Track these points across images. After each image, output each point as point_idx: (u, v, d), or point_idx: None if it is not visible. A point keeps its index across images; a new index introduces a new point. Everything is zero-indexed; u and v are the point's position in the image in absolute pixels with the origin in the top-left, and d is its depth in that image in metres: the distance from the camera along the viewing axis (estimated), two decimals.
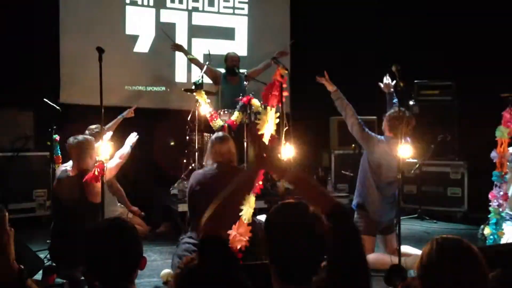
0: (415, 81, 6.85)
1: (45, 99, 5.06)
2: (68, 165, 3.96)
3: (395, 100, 4.45)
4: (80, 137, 3.91)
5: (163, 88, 7.17)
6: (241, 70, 6.36)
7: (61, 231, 3.85)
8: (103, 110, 3.54)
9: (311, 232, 1.56)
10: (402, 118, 3.98)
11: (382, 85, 4.57)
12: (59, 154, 4.87)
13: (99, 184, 3.54)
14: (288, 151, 3.63)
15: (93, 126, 4.72)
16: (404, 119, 3.97)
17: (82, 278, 3.56)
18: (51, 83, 6.34)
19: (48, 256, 4.01)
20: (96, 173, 3.48)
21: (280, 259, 1.55)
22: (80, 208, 3.73)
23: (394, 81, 4.29)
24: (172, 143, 5.22)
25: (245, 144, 5.49)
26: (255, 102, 5.62)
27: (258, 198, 3.78)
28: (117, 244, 1.88)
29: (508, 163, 4.09)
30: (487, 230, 4.01)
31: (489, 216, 4.07)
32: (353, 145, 6.36)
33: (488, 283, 1.65)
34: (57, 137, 4.89)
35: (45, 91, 5.61)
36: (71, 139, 3.88)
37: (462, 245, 1.70)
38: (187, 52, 6.51)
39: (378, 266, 3.79)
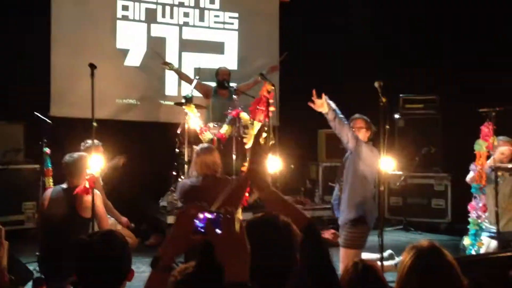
0: (400, 95, 7.01)
1: (35, 112, 5.12)
2: (64, 185, 4.01)
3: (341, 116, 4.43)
4: (76, 154, 3.95)
5: (154, 102, 7.25)
6: (231, 84, 6.48)
7: (50, 244, 3.89)
8: (94, 124, 3.62)
9: (281, 241, 1.64)
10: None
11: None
12: (50, 167, 4.92)
13: (89, 197, 3.60)
14: (274, 164, 3.74)
15: (89, 141, 4.70)
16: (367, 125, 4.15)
17: None
18: (42, 96, 6.38)
19: (37, 268, 4.06)
20: (87, 185, 3.55)
21: (253, 269, 1.63)
22: (71, 222, 3.78)
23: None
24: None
25: (233, 157, 5.58)
26: (244, 115, 5.71)
27: (245, 210, 3.89)
28: (107, 256, 1.96)
29: (486, 176, 4.23)
30: (467, 241, 4.12)
31: (468, 227, 4.18)
32: None
33: None
34: (47, 150, 4.94)
35: (35, 104, 5.66)
36: (67, 157, 3.92)
37: (435, 251, 1.79)
38: (177, 69, 6.59)
39: None
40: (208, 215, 1.41)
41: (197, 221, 1.42)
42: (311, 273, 1.73)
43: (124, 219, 5.17)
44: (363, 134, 4.22)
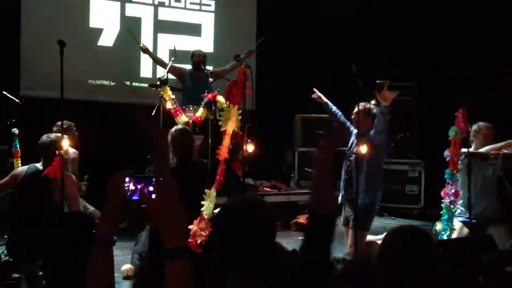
0: (377, 81, 7.01)
1: (4, 92, 4.96)
2: (39, 165, 3.90)
3: (334, 108, 4.88)
4: (53, 135, 3.85)
5: (128, 83, 7.11)
6: (207, 67, 6.38)
7: (20, 226, 3.79)
8: (63, 103, 3.51)
9: (261, 228, 1.59)
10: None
11: (315, 97, 4.93)
12: (18, 148, 4.78)
13: (59, 180, 3.50)
14: (250, 147, 3.70)
15: (59, 123, 4.57)
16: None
17: (40, 273, 3.53)
18: (11, 75, 6.20)
19: (5, 251, 3.94)
20: (56, 167, 3.45)
21: (230, 254, 1.58)
22: (43, 204, 3.69)
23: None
24: None
25: (209, 140, 5.51)
26: (220, 99, 5.65)
27: (220, 194, 3.84)
28: (75, 238, 1.90)
29: (460, 162, 4.27)
30: (439, 226, 4.17)
31: (441, 212, 4.23)
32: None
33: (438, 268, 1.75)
34: (16, 130, 4.79)
35: (4, 84, 5.48)
36: (44, 138, 3.82)
37: (415, 231, 1.81)
38: (151, 53, 6.42)
39: None
40: (138, 182, 1.35)
41: (128, 189, 1.36)
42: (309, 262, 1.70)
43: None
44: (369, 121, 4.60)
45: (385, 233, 1.88)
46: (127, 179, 1.37)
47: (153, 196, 1.32)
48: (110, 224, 1.43)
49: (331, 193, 1.81)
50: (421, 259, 1.72)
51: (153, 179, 1.33)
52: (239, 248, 1.56)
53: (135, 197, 1.36)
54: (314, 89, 5.00)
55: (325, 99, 4.94)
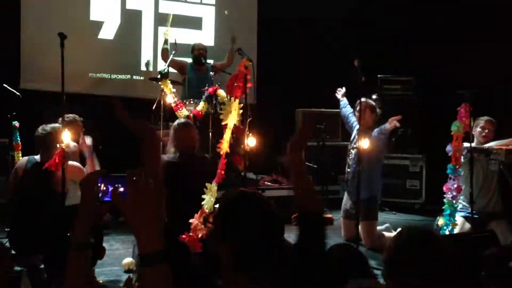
0: (378, 75, 7.00)
1: (4, 85, 4.94)
2: (38, 157, 3.88)
3: (344, 108, 5.22)
4: (48, 127, 3.81)
5: (128, 76, 7.08)
6: (208, 61, 6.36)
7: (21, 219, 3.78)
8: (64, 97, 3.49)
9: (269, 221, 1.55)
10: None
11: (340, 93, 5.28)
12: (19, 141, 4.77)
13: (59, 173, 3.49)
14: (251, 141, 3.69)
15: (69, 115, 4.50)
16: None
17: (42, 266, 3.52)
18: (11, 68, 6.17)
19: (7, 243, 3.93)
20: (57, 160, 3.43)
21: (237, 246, 1.52)
22: (44, 197, 3.68)
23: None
24: None
25: (210, 134, 5.50)
26: (221, 92, 5.63)
27: (221, 188, 3.83)
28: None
29: (462, 157, 4.25)
30: (441, 221, 4.16)
31: (443, 207, 4.22)
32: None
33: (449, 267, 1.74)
34: (16, 123, 4.77)
35: (4, 77, 5.46)
36: (40, 130, 3.78)
37: (427, 233, 1.80)
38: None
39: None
40: (110, 182, 1.31)
41: (101, 190, 1.33)
42: (304, 256, 1.69)
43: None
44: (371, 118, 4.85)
45: (397, 232, 1.87)
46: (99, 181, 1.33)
47: (126, 197, 1.23)
48: (85, 227, 1.38)
49: (312, 190, 1.82)
50: (431, 261, 1.70)
51: (124, 179, 1.24)
52: (248, 240, 1.50)
53: (107, 198, 1.32)
54: (339, 89, 5.34)
55: (341, 97, 5.33)
